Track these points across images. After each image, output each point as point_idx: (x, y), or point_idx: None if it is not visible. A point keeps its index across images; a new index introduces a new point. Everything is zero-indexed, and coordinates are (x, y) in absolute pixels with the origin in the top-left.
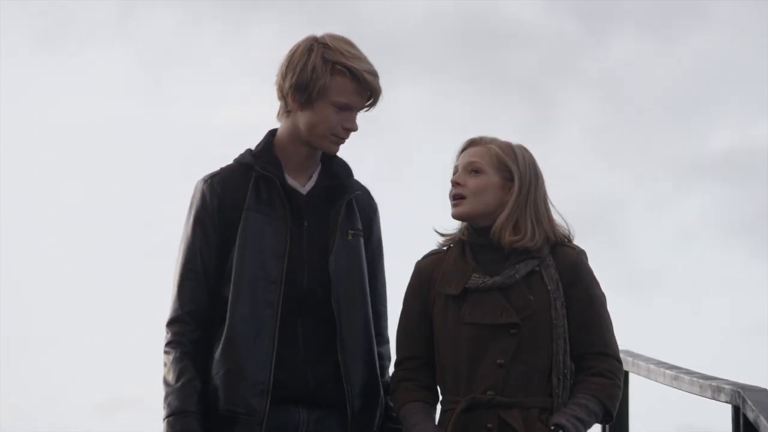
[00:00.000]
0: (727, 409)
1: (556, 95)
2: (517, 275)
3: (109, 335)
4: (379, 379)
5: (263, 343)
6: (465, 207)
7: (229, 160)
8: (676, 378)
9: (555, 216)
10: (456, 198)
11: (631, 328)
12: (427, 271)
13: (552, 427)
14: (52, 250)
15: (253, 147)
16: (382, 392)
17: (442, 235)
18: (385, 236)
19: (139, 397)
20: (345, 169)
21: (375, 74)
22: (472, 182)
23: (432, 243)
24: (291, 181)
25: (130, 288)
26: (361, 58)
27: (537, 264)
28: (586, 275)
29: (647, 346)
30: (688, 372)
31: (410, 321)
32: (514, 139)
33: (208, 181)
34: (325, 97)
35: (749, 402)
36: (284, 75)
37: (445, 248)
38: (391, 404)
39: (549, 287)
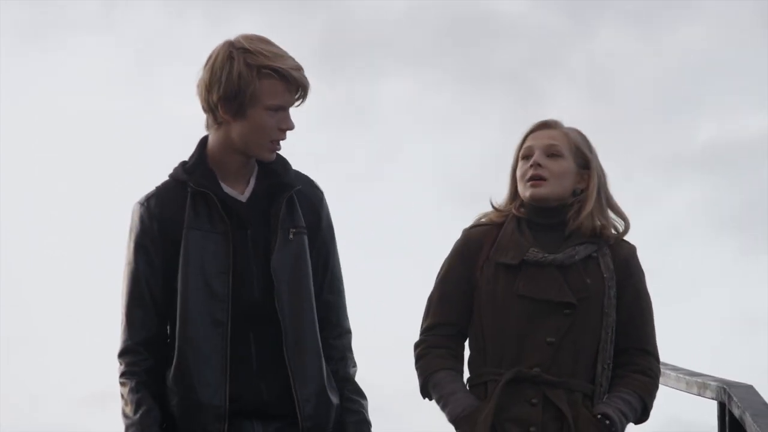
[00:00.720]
0: (713, 406)
1: (543, 88)
2: (576, 256)
3: (103, 327)
4: (331, 380)
5: (215, 366)
6: (546, 189)
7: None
8: (662, 374)
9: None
10: (536, 178)
11: None
12: (477, 240)
13: (598, 416)
14: (44, 247)
15: (187, 158)
16: (333, 395)
17: (498, 210)
18: (372, 230)
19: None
20: (282, 165)
21: (300, 68)
22: (554, 165)
23: (421, 234)
24: (228, 189)
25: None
26: (284, 56)
27: (595, 250)
28: (638, 271)
29: None
30: (675, 368)
31: (451, 287)
32: (500, 132)
33: (145, 204)
34: (258, 103)
35: (735, 398)
36: (209, 87)
37: (490, 223)
38: (355, 397)
39: (605, 275)
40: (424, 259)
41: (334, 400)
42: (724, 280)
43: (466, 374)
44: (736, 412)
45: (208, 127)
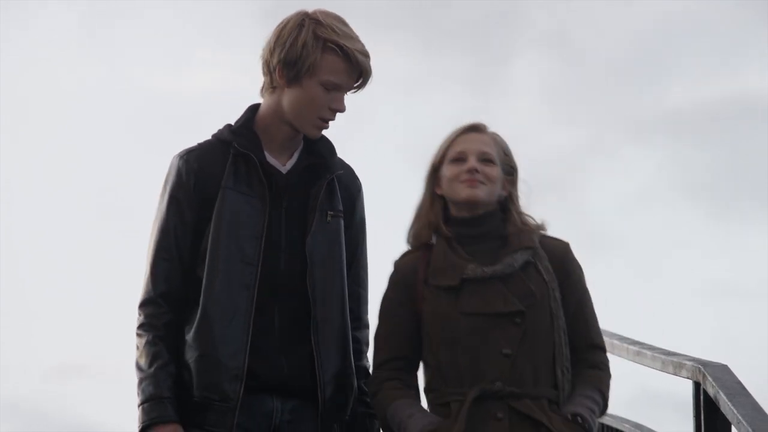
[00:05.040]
0: (688, 385)
1: (510, 50)
2: (515, 264)
3: (70, 297)
4: (353, 365)
5: (238, 327)
6: (482, 192)
7: (176, 126)
8: (638, 353)
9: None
10: (472, 181)
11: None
12: (410, 268)
13: (570, 416)
14: (9, 218)
15: (232, 122)
16: (355, 379)
17: (414, 245)
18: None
19: (90, 363)
20: (328, 147)
21: (367, 55)
22: (488, 171)
23: (390, 197)
24: (271, 159)
25: (83, 254)
26: (354, 38)
27: (531, 255)
28: (576, 268)
29: (604, 309)
30: (651, 348)
31: (395, 320)
32: (468, 94)
33: (184, 156)
34: (314, 75)
35: (709, 378)
36: (272, 50)
37: (418, 248)
38: (368, 400)
39: (546, 278)
40: (394, 222)
41: (354, 386)
42: (693, 246)
43: (424, 402)
44: (711, 392)
45: (262, 90)
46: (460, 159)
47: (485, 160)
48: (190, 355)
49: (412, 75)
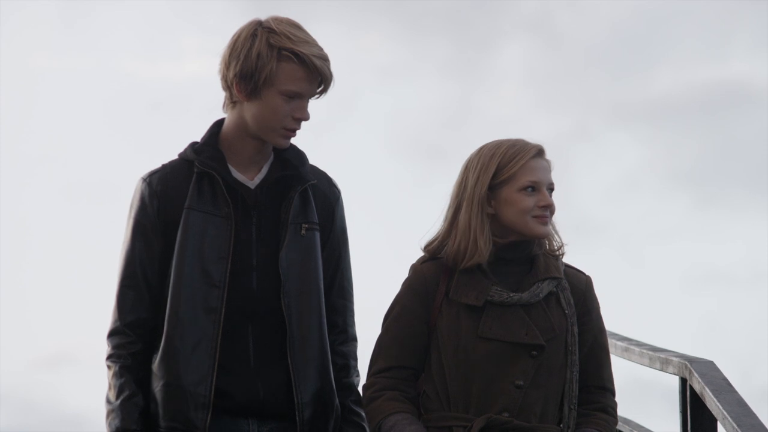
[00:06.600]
0: (675, 380)
1: (492, 35)
2: (540, 294)
3: (56, 287)
4: (333, 384)
5: (203, 353)
6: (549, 227)
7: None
8: (626, 349)
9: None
10: (545, 218)
11: None
12: (432, 277)
13: None
14: None
15: (198, 139)
16: (337, 398)
17: (434, 256)
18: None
19: (79, 352)
20: (298, 157)
21: (325, 58)
22: (553, 204)
23: (366, 195)
24: (237, 174)
25: (71, 243)
26: (310, 42)
27: (555, 285)
28: (597, 305)
29: None
30: (639, 344)
31: (407, 329)
32: (450, 80)
33: (147, 180)
34: (272, 86)
35: (696, 374)
36: (228, 63)
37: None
38: (357, 409)
39: (566, 312)
40: (378, 212)
41: (336, 405)
42: (678, 234)
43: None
44: (697, 388)
45: (224, 106)
46: (532, 189)
47: (551, 191)
48: (156, 384)
49: (395, 62)
